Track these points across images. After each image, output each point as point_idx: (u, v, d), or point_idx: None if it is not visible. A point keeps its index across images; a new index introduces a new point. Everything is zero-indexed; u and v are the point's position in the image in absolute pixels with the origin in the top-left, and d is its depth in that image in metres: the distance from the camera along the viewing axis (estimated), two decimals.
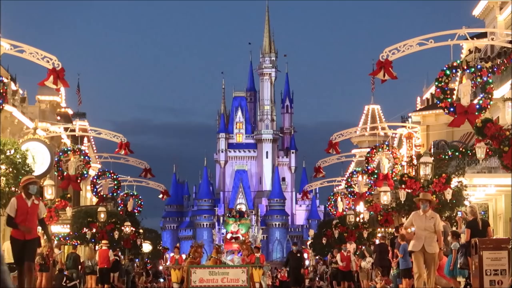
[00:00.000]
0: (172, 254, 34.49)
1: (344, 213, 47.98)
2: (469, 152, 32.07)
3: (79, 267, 33.84)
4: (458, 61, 23.38)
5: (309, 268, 61.80)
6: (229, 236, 65.91)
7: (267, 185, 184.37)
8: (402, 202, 34.14)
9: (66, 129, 41.86)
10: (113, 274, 37.35)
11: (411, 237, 17.37)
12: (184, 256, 37.46)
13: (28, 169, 26.74)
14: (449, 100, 22.93)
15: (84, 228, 41.44)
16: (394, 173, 37.70)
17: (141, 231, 56.60)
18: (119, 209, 49.13)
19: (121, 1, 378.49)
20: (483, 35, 34.48)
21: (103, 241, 35.95)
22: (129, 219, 48.16)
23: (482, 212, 33.72)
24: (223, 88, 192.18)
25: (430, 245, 16.57)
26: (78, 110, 60.01)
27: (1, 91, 23.89)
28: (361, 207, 44.66)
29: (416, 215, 16.86)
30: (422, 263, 16.64)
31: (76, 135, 43.62)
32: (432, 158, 30.53)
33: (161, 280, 62.47)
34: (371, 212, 40.85)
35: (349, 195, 44.95)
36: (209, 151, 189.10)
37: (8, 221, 14.94)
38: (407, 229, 17.45)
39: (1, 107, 23.93)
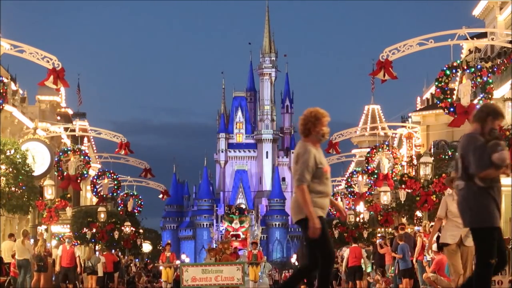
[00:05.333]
0: (163, 252, 33.29)
1: None
2: None
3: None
4: (458, 61, 23.41)
5: None
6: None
7: (267, 185, 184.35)
8: (402, 202, 34.11)
9: (66, 129, 41.86)
10: (114, 274, 37.35)
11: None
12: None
13: (28, 169, 26.77)
14: (449, 100, 22.94)
15: (84, 228, 41.45)
16: (394, 173, 37.69)
17: (141, 231, 56.63)
18: (119, 209, 49.14)
19: (121, 1, 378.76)
20: (483, 35, 34.47)
21: (66, 235, 33.25)
22: (129, 219, 48.17)
23: None
24: (223, 88, 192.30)
25: (469, 237, 12.67)
26: (78, 110, 60.13)
27: (1, 91, 23.91)
28: (361, 207, 44.66)
29: (449, 199, 13.47)
30: (459, 260, 13.43)
31: (76, 135, 43.61)
32: (432, 158, 30.50)
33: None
34: (371, 212, 40.85)
35: (349, 195, 44.94)
36: (209, 151, 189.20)
37: None
38: (441, 219, 13.65)
39: (1, 107, 23.96)
